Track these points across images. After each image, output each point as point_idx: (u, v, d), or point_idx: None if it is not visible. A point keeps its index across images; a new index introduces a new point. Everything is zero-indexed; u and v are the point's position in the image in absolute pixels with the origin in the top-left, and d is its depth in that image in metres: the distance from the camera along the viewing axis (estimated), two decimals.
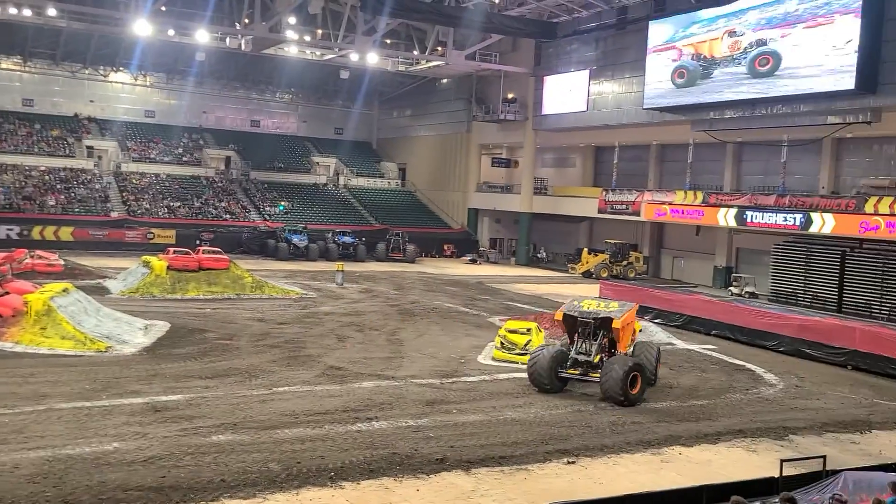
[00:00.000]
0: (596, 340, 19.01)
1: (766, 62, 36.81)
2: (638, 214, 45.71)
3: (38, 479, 11.82)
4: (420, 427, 15.53)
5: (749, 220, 38.44)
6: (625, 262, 48.08)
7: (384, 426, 15.46)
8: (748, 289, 39.40)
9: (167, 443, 13.73)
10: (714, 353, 25.52)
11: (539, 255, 57.23)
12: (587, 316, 19.07)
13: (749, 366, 23.81)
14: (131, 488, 11.68)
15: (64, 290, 23.25)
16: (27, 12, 46.20)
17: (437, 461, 13.62)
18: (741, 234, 42.95)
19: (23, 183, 51.96)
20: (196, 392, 17.20)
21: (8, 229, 46.13)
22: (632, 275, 46.82)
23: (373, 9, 46.62)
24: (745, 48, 37.78)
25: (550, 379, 18.59)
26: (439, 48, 53.86)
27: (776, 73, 36.35)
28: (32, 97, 60.34)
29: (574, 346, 19.16)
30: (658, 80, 42.40)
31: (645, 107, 43.74)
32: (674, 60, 41.36)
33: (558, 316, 19.82)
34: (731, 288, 40.71)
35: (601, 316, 18.96)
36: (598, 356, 18.82)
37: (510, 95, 55.85)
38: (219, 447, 13.68)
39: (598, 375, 18.30)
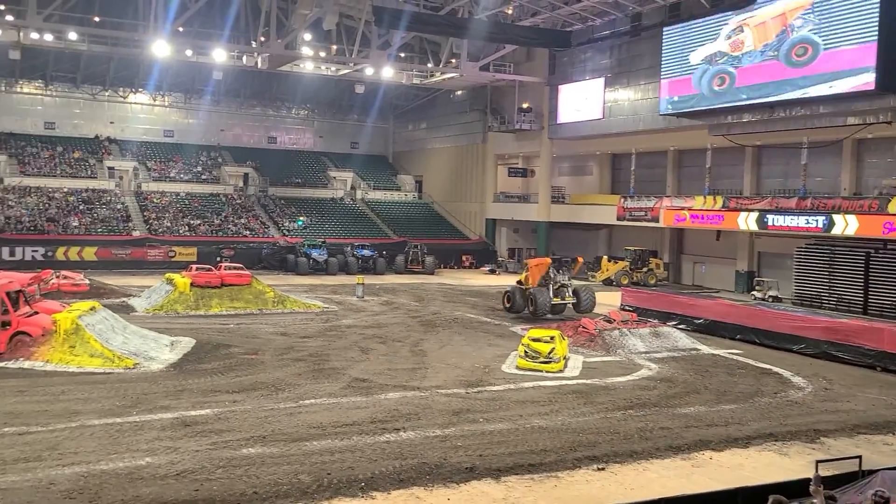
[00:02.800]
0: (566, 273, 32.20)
1: (803, 52, 35.96)
2: (657, 221, 45.60)
3: (74, 494, 11.96)
4: (447, 436, 15.55)
5: (770, 223, 38.23)
6: (645, 269, 47.87)
7: (412, 436, 15.49)
8: (771, 293, 39.16)
9: (198, 457, 13.84)
10: (740, 358, 25.36)
11: None
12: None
13: (776, 369, 23.64)
14: (165, 502, 11.80)
15: (91, 309, 23.48)
16: (48, 37, 46.84)
17: (466, 470, 13.64)
18: (762, 237, 42.71)
19: (46, 205, 52.61)
20: (224, 406, 17.32)
21: (33, 251, 46.72)
22: (652, 281, 46.60)
23: (387, 23, 46.90)
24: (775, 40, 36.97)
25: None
26: (453, 60, 54.09)
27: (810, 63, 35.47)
28: (54, 120, 61.31)
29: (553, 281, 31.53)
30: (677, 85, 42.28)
31: (661, 112, 43.68)
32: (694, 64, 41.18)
33: (547, 260, 32.27)
34: (753, 292, 40.45)
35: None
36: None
37: (525, 105, 55.93)
38: (249, 460, 13.76)
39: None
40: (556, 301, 31.52)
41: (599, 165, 56.18)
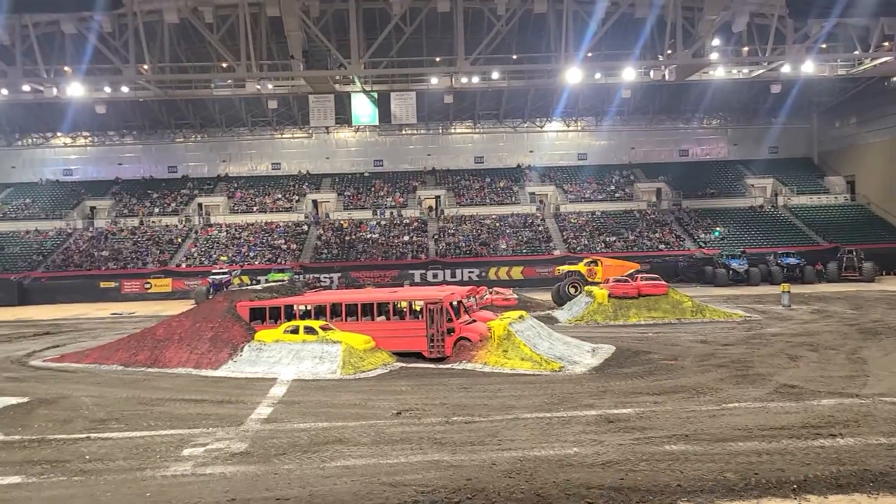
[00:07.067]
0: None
1: None
2: None
3: (513, 474, 13.11)
4: (894, 445, 13.87)
5: None
6: None
7: (850, 443, 14.11)
8: None
9: (622, 450, 14.24)
10: None
11: None
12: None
13: None
14: (593, 487, 12.36)
15: (520, 318, 25.55)
16: (475, 79, 52.42)
17: None
18: None
19: (479, 231, 58.50)
20: (645, 406, 17.56)
21: (469, 272, 52.33)
22: None
23: (804, 14, 43.77)
24: None
25: None
26: (886, 43, 48.29)
27: None
28: (482, 154, 68.19)
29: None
30: None
31: None
32: None
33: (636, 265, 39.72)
34: None
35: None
36: None
37: None
38: (672, 456, 13.77)
39: None
40: None
41: None
